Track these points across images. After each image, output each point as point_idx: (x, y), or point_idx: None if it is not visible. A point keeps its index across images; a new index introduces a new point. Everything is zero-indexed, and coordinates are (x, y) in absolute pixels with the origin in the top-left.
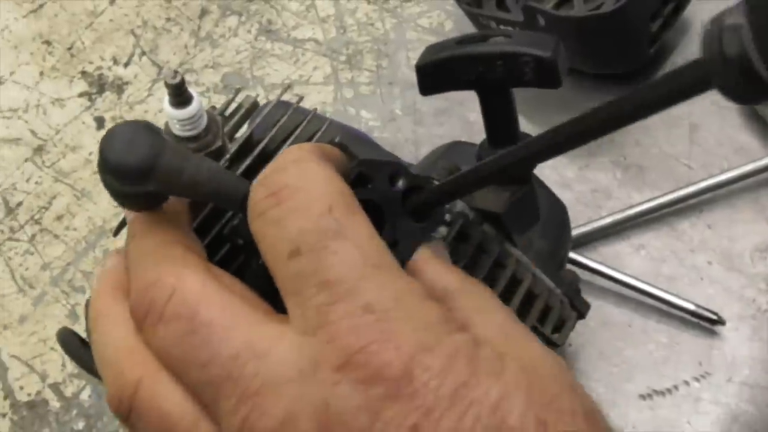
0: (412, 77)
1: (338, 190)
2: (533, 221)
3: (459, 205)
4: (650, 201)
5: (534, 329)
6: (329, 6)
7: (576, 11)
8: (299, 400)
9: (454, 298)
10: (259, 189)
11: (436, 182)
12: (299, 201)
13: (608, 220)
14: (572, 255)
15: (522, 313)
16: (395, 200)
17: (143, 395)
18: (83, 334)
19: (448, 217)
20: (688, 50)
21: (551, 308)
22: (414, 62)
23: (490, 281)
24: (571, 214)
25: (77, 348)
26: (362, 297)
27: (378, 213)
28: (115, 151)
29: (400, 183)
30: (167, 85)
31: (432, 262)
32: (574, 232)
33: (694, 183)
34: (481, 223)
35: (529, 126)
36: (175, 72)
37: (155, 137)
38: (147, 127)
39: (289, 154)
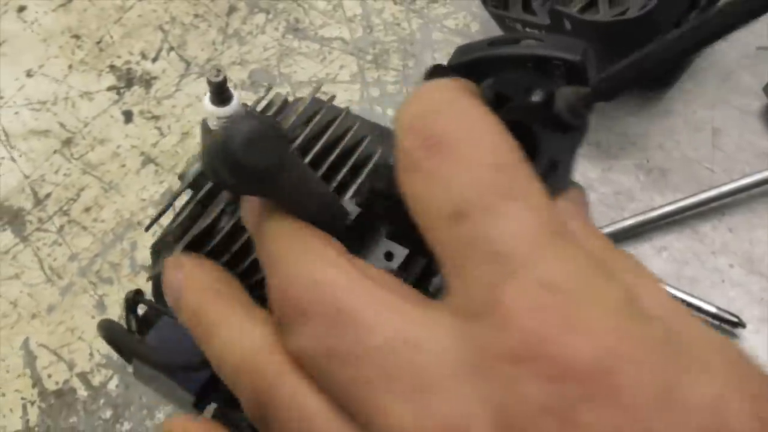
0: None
1: (505, 139)
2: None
3: None
4: (672, 204)
5: None
6: (356, 5)
7: (602, 16)
8: (469, 400)
9: (612, 267)
10: (409, 135)
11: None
12: (463, 152)
13: (631, 221)
14: None
15: None
16: (541, 115)
17: (284, 399)
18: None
19: None
20: (711, 57)
21: None
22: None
23: None
24: (594, 215)
25: (122, 336)
26: (542, 272)
27: (521, 134)
28: (245, 147)
29: (538, 95)
30: (210, 83)
31: (576, 218)
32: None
33: (715, 187)
34: None
35: None
36: (218, 70)
37: (284, 146)
38: (278, 130)
39: (437, 91)
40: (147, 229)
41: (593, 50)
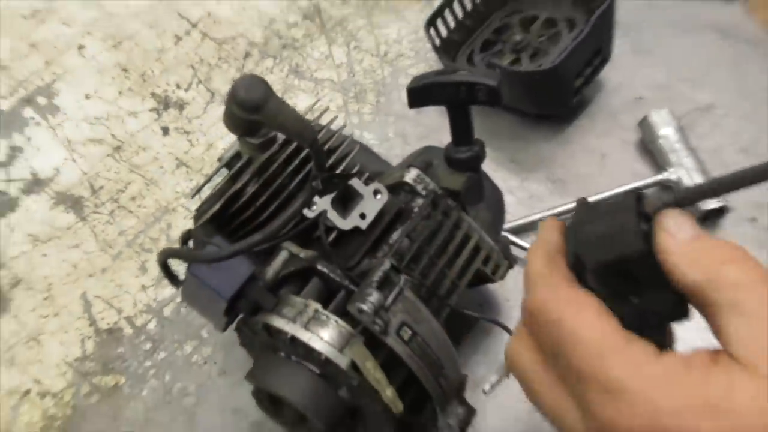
0: (402, 111)
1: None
2: (480, 199)
3: (431, 184)
4: (569, 204)
5: (478, 270)
6: (342, 56)
7: (524, 67)
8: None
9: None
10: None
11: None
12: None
13: (539, 216)
14: (512, 238)
15: (471, 260)
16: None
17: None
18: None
19: (423, 191)
20: (602, 102)
21: (491, 257)
22: (404, 101)
23: (449, 236)
24: (513, 211)
25: (178, 251)
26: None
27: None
28: (244, 90)
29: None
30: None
31: None
32: (516, 224)
33: (600, 192)
34: (446, 197)
35: (489, 150)
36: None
37: (268, 88)
38: (264, 81)
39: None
40: (192, 196)
41: (515, 93)
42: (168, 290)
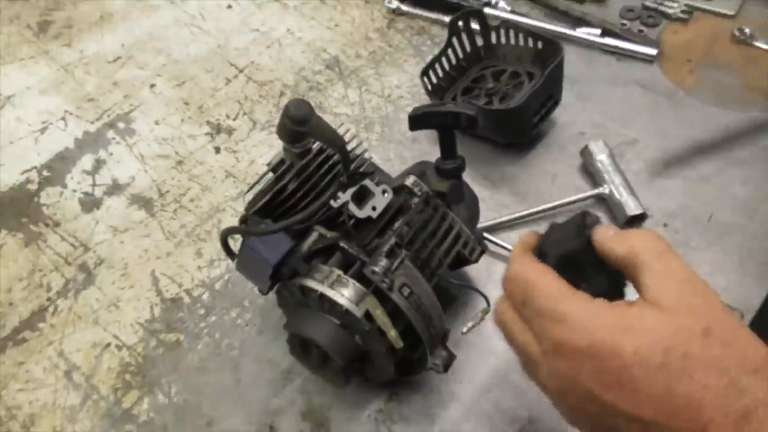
0: (401, 138)
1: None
2: (461, 200)
3: (425, 187)
4: (528, 210)
5: (459, 252)
6: (356, 96)
7: (495, 106)
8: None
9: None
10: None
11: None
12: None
13: (505, 218)
14: (485, 234)
15: (453, 243)
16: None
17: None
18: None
19: (419, 193)
20: (555, 136)
21: (468, 242)
22: (404, 131)
23: (438, 226)
24: (485, 215)
25: (236, 228)
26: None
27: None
28: (294, 108)
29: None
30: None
31: None
32: (487, 224)
33: (551, 202)
34: (436, 197)
35: (468, 170)
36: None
37: (311, 108)
38: (308, 103)
39: (514, 260)
40: (246, 193)
41: (488, 125)
42: (218, 270)
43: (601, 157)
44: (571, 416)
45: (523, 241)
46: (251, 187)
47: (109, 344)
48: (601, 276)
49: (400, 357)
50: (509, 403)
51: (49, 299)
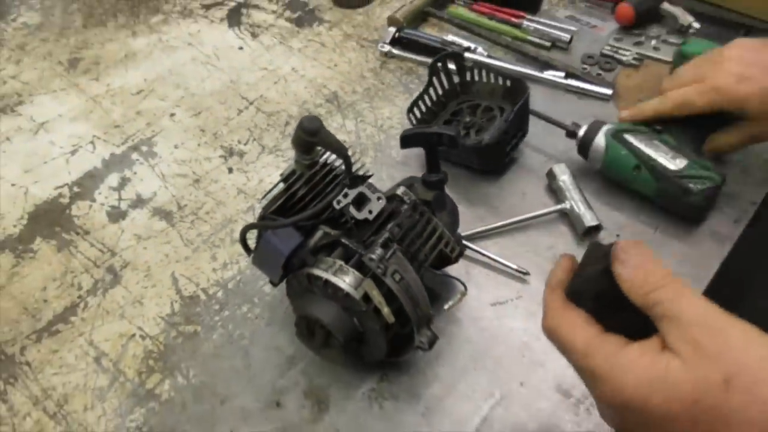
0: (392, 162)
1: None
2: (443, 208)
3: (413, 196)
4: (501, 222)
5: (441, 251)
6: (352, 126)
7: (472, 139)
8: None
9: None
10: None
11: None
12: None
13: (482, 229)
14: (465, 242)
15: (437, 243)
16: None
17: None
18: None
19: (408, 200)
20: (526, 162)
21: (449, 243)
22: (394, 156)
23: (423, 228)
24: (464, 227)
25: (253, 224)
26: None
27: None
28: (307, 122)
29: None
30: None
31: None
32: (466, 233)
33: (521, 215)
34: (422, 204)
35: (450, 192)
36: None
37: (321, 122)
38: (319, 119)
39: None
40: (261, 199)
41: (467, 156)
42: (230, 272)
43: (563, 178)
44: None
45: (556, 280)
46: (265, 195)
47: (134, 335)
48: (631, 311)
49: (391, 335)
50: (483, 383)
51: (80, 297)
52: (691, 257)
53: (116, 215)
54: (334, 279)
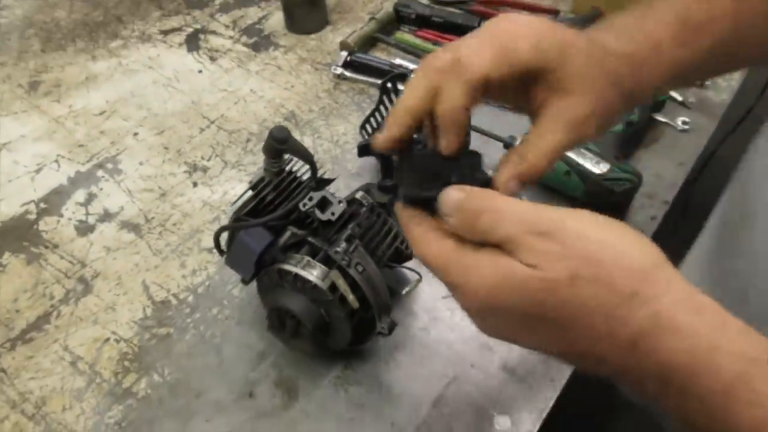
0: (347, 173)
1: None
2: None
3: (370, 200)
4: None
5: (397, 248)
6: (310, 142)
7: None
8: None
9: None
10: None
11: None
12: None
13: None
14: None
15: (393, 241)
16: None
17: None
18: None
19: (366, 203)
20: None
21: (404, 241)
22: (350, 168)
23: (380, 228)
24: None
25: (227, 225)
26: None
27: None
28: (277, 131)
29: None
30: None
31: None
32: None
33: None
34: (378, 207)
35: None
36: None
37: (289, 132)
38: (287, 129)
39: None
40: (232, 204)
41: None
42: (199, 278)
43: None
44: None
45: (407, 214)
46: (236, 201)
47: (108, 339)
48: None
49: (355, 322)
50: (438, 366)
51: (52, 306)
52: None
53: (84, 229)
54: (303, 272)
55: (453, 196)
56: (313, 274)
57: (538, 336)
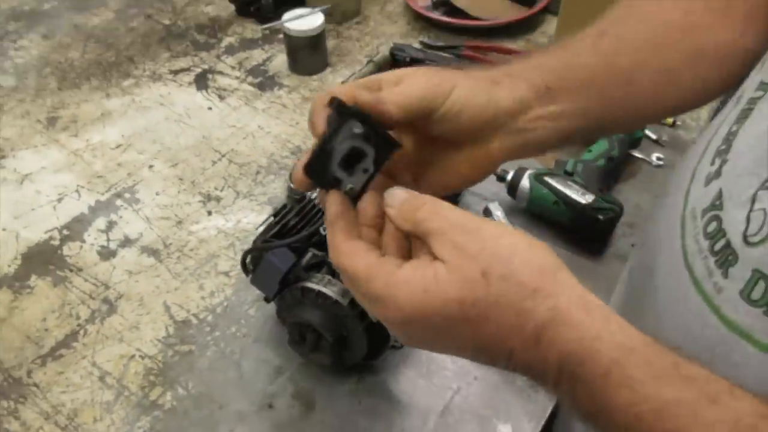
0: None
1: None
2: None
3: None
4: None
5: None
6: None
7: None
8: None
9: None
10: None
11: None
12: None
13: None
14: None
15: None
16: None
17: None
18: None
19: None
20: (464, 201)
21: None
22: None
23: None
24: None
25: (253, 246)
26: None
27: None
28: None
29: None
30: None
31: None
32: None
33: None
34: None
35: None
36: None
37: None
38: None
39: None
40: (257, 228)
41: None
42: (218, 299)
43: (497, 213)
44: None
45: (333, 217)
46: (260, 225)
47: (133, 355)
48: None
49: (370, 337)
50: (444, 379)
51: (79, 325)
52: (601, 273)
53: (106, 254)
54: (325, 290)
55: (400, 193)
56: (334, 290)
57: (455, 339)
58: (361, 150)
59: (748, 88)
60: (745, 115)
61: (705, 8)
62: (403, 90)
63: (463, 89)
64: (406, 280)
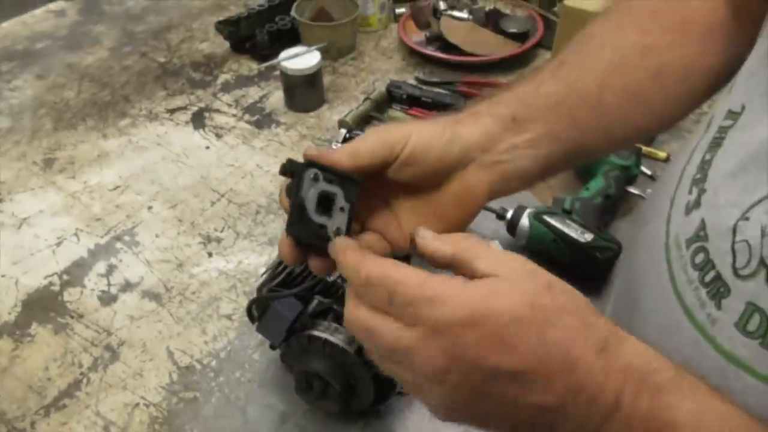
0: None
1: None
2: None
3: None
4: None
5: None
6: None
7: None
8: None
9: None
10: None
11: None
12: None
13: None
14: None
15: None
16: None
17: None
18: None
19: None
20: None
21: None
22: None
23: None
24: None
25: (256, 296)
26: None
27: None
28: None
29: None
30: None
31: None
32: None
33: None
34: None
35: None
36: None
37: None
38: None
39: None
40: (261, 275)
41: None
42: (221, 343)
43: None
44: (447, 401)
45: (347, 244)
46: (264, 273)
47: (138, 404)
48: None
49: (377, 384)
50: (449, 425)
51: (81, 373)
52: (601, 310)
53: (107, 299)
54: (332, 338)
55: (438, 244)
56: (341, 339)
57: (516, 348)
58: (329, 192)
59: (717, 115)
60: (717, 143)
61: (661, 29)
62: (352, 144)
63: (421, 134)
64: (465, 283)
